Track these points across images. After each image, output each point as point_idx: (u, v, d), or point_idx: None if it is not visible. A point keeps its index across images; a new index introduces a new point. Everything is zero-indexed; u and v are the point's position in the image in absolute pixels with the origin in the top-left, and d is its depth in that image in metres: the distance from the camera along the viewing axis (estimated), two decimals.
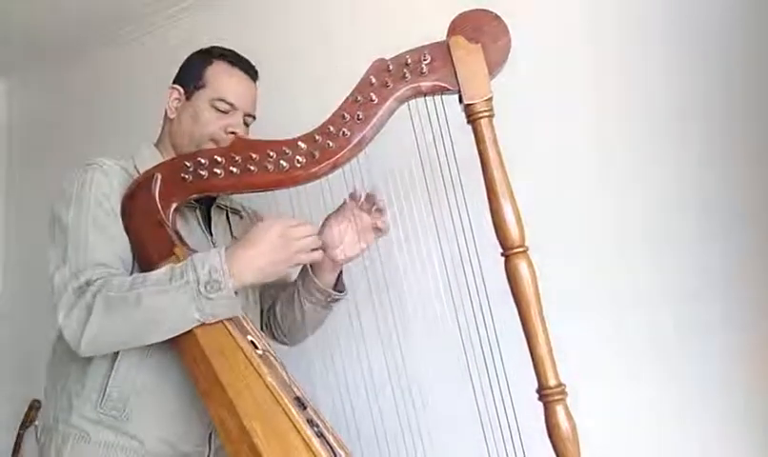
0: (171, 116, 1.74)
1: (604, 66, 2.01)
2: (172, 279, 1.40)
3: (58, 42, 3.23)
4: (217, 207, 1.76)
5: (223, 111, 1.69)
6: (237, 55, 1.77)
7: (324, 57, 2.47)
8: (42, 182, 2.97)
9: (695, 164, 1.87)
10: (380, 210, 1.67)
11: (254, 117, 1.77)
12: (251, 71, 1.77)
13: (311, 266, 1.72)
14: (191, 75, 1.74)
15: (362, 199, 1.67)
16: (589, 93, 2.03)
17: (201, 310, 1.39)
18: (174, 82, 1.77)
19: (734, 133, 1.84)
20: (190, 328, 1.41)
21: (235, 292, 1.42)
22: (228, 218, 1.79)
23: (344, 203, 1.68)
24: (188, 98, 1.72)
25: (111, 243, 1.51)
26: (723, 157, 1.84)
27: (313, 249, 1.51)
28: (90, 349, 1.44)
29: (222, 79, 1.72)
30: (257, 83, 1.79)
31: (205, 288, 1.38)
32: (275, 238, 1.44)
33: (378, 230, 1.69)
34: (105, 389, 1.50)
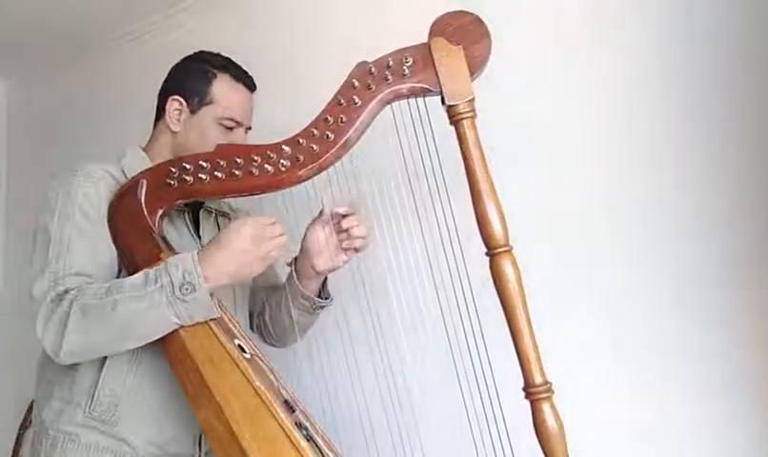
0: (175, 129, 1.72)
1: (599, 64, 2.01)
2: (147, 284, 1.41)
3: (58, 42, 3.23)
4: (205, 210, 1.77)
5: (229, 128, 1.70)
6: (237, 67, 1.76)
7: (324, 57, 2.46)
8: (42, 182, 2.95)
9: (690, 163, 1.87)
10: (360, 237, 1.65)
11: (251, 128, 1.78)
12: (251, 85, 1.77)
13: (296, 273, 1.73)
14: (194, 88, 1.72)
15: (341, 215, 1.66)
16: (582, 92, 2.02)
17: (177, 314, 1.40)
18: (173, 90, 1.74)
19: (730, 134, 1.83)
20: (169, 332, 1.43)
21: (211, 294, 1.43)
22: (216, 221, 1.80)
23: (321, 210, 1.68)
24: (192, 112, 1.71)
25: (93, 251, 1.51)
26: (719, 156, 1.84)
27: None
28: (70, 358, 1.45)
29: (229, 97, 1.72)
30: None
31: (180, 290, 1.39)
32: (247, 240, 1.44)
33: (356, 250, 1.68)
34: (94, 394, 1.51)
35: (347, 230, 1.65)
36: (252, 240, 1.45)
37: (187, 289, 1.39)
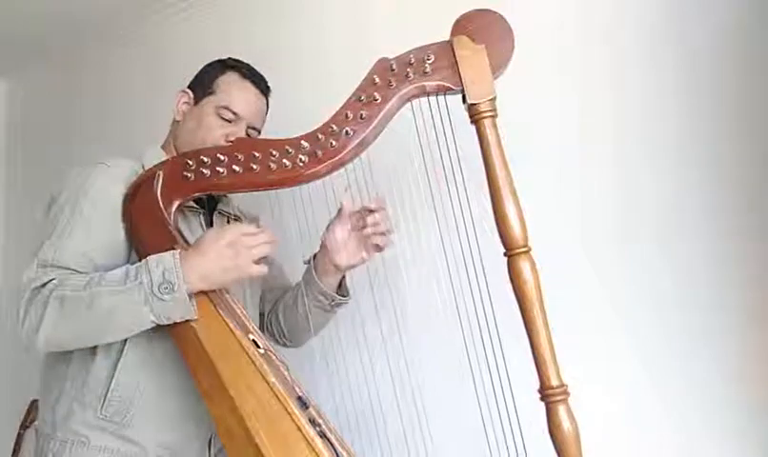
0: (178, 119, 1.75)
1: (602, 67, 2.01)
2: (127, 279, 1.40)
3: (58, 42, 3.23)
4: (219, 213, 1.76)
5: (226, 120, 1.69)
6: (251, 69, 1.77)
7: (327, 56, 2.47)
8: (42, 181, 2.97)
9: (698, 164, 1.87)
10: (383, 233, 1.66)
11: (259, 131, 1.77)
12: (261, 85, 1.77)
13: (315, 268, 1.72)
14: (202, 82, 1.75)
15: (368, 213, 1.66)
16: (587, 94, 2.03)
17: (155, 312, 1.39)
18: (188, 86, 1.78)
19: (736, 134, 1.84)
20: (145, 329, 1.43)
21: (190, 296, 1.41)
22: (229, 224, 1.77)
23: (341, 207, 1.68)
24: (196, 103, 1.73)
25: (95, 246, 1.51)
26: (722, 157, 1.84)
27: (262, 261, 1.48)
28: (46, 348, 1.46)
29: (230, 89, 1.72)
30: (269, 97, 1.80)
31: (158, 289, 1.38)
32: (224, 246, 1.43)
33: (378, 247, 1.69)
34: (107, 394, 1.49)
35: (373, 225, 1.65)
36: (229, 247, 1.43)
37: (165, 289, 1.38)
